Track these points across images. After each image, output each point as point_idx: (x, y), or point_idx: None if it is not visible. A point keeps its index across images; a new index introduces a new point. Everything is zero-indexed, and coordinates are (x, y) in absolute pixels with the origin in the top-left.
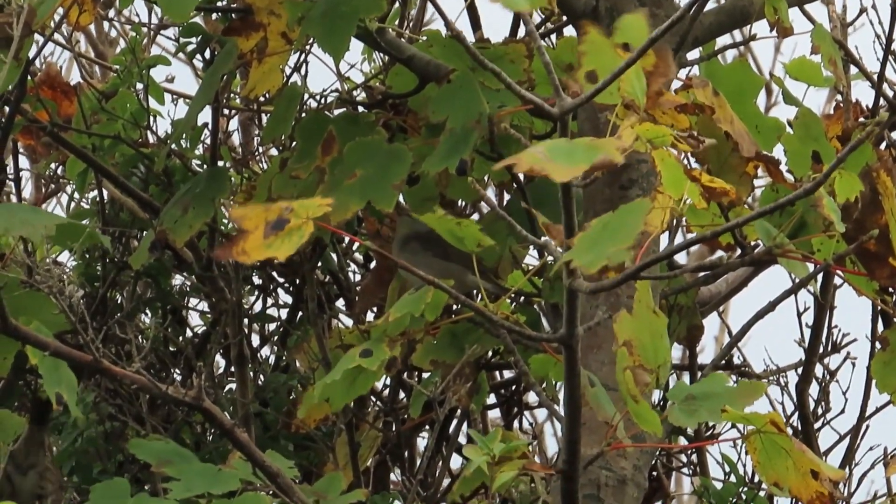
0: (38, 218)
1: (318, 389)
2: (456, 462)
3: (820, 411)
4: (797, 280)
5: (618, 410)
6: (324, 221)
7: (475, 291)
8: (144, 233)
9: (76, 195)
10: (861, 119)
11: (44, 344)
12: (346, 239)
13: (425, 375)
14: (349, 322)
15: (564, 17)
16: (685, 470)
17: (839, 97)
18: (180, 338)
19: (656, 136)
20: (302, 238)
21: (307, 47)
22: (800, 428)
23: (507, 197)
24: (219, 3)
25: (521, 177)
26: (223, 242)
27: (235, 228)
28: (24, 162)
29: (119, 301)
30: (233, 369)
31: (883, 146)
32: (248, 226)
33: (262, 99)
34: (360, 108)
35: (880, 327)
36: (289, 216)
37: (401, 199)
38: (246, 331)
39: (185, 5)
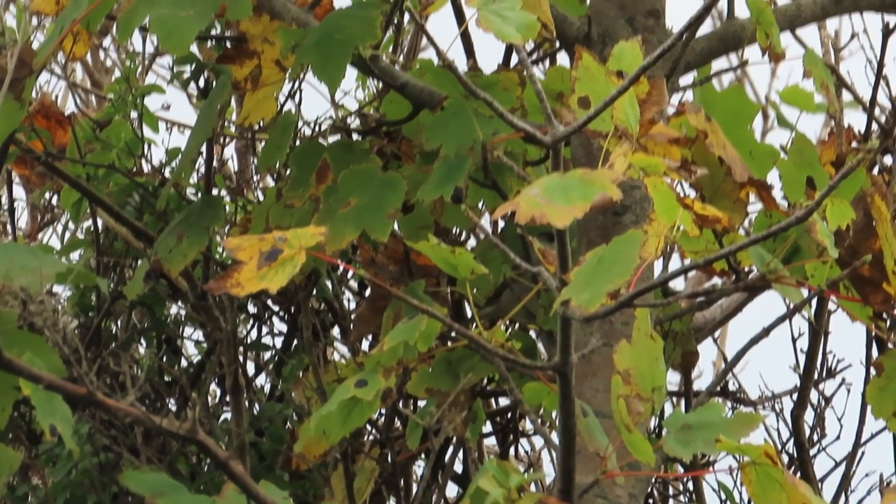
0: (37, 262)
1: (314, 421)
2: (452, 490)
3: (815, 437)
4: (791, 306)
5: (612, 438)
6: (318, 251)
7: (470, 318)
8: (139, 262)
9: (71, 225)
10: (854, 144)
11: (37, 377)
12: (341, 267)
13: (421, 403)
14: (344, 350)
15: (557, 44)
16: (681, 497)
17: (832, 122)
18: (175, 367)
19: (649, 165)
20: (295, 268)
21: (301, 75)
22: (795, 455)
23: (501, 224)
24: (213, 31)
25: None
26: (218, 272)
27: (230, 258)
28: (18, 191)
29: (114, 331)
30: (228, 398)
31: (875, 171)
32: (243, 257)
33: (256, 127)
34: (355, 136)
35: (875, 353)
36: (282, 246)
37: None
38: (241, 360)
39: (183, 39)
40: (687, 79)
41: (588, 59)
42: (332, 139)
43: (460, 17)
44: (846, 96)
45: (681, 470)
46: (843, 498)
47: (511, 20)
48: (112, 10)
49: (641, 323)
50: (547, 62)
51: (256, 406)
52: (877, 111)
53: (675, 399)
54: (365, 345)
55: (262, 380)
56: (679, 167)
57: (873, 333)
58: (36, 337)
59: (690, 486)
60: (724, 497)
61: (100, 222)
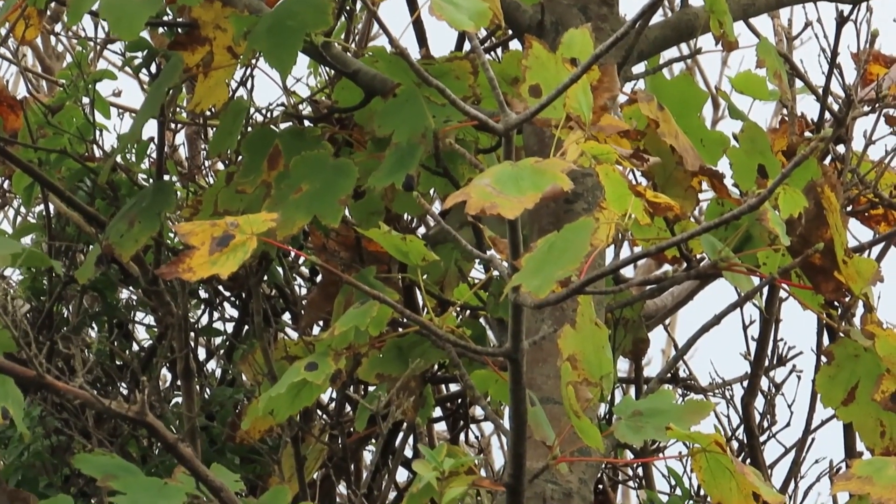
0: None
1: (263, 402)
2: (402, 475)
3: (766, 424)
4: (742, 293)
5: (563, 424)
6: (269, 237)
7: (421, 305)
8: (90, 247)
9: (22, 209)
10: (806, 133)
11: None
12: (292, 253)
13: (371, 389)
14: (295, 336)
15: (510, 32)
16: (631, 483)
17: (785, 111)
18: (126, 351)
19: (601, 153)
20: (246, 254)
21: (253, 61)
22: (745, 441)
23: None
24: (165, 18)
25: None
26: (169, 257)
27: (182, 243)
28: None
29: (65, 315)
30: (179, 383)
31: (828, 160)
32: (195, 242)
33: (207, 113)
34: (307, 123)
35: (825, 341)
36: (234, 232)
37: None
38: (192, 344)
39: (133, 24)
40: (639, 68)
41: (538, 48)
42: (283, 126)
43: (413, 4)
44: (799, 85)
45: (630, 456)
46: (792, 484)
47: (464, 8)
48: None
49: (585, 309)
50: (500, 50)
51: (207, 391)
52: (830, 100)
53: (625, 386)
54: (316, 330)
55: (213, 365)
56: (631, 155)
57: (824, 322)
58: None
59: (640, 471)
60: (673, 483)
61: (51, 207)
